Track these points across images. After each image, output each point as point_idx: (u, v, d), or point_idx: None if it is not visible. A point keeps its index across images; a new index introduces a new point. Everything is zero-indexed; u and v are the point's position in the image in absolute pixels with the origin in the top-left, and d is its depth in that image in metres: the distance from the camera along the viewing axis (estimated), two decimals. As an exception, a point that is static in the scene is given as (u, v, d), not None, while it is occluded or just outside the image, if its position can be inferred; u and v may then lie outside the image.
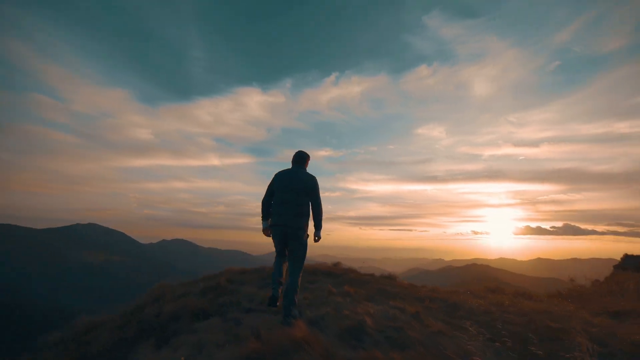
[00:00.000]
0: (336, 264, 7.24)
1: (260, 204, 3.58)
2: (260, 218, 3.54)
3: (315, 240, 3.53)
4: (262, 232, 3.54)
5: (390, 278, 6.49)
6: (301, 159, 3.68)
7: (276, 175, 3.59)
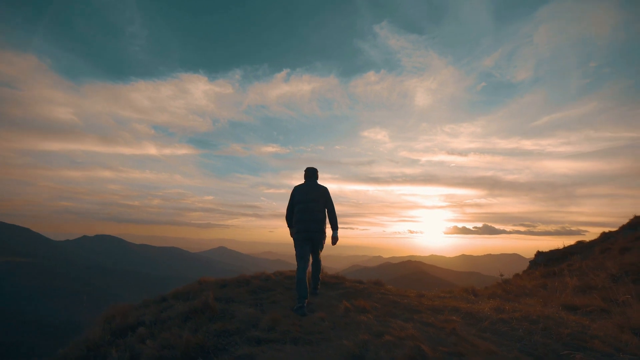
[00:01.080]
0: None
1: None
2: (288, 227, 4.36)
3: (333, 242, 4.21)
4: (289, 235, 4.32)
5: (378, 284, 6.07)
6: (314, 173, 4.44)
7: (295, 189, 4.32)
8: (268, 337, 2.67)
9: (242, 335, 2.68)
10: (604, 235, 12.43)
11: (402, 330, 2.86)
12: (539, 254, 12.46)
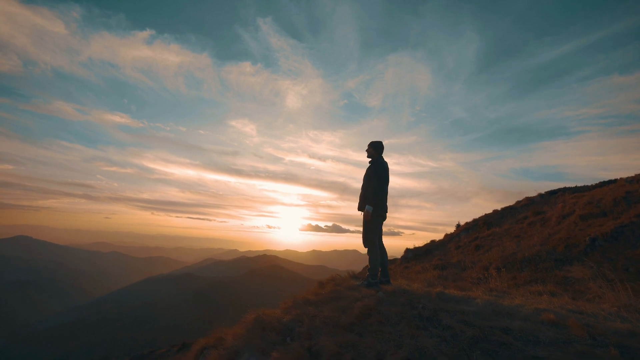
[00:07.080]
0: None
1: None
2: (368, 204, 3.99)
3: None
4: (369, 215, 3.91)
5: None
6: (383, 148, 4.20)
7: (386, 165, 4.10)
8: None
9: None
10: (448, 236, 16.45)
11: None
12: (408, 250, 15.14)
